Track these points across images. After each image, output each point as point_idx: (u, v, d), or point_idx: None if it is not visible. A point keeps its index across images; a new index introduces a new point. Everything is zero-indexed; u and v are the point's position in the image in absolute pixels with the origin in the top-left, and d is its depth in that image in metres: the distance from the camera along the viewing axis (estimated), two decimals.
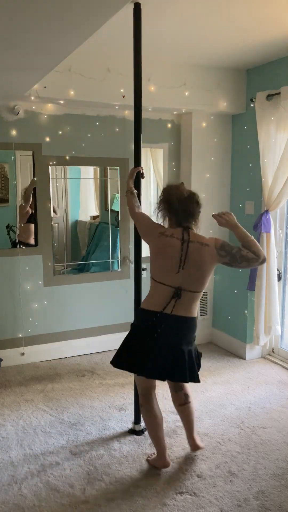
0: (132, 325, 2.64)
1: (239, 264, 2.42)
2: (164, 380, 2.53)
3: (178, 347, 2.47)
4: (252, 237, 2.48)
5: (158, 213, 2.60)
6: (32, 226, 4.04)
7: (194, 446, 2.79)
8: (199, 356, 2.63)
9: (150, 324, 2.47)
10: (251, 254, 2.40)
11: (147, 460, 2.73)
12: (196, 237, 2.49)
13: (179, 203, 2.49)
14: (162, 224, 2.62)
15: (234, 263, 2.42)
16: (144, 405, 2.65)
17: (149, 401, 2.64)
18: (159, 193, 2.65)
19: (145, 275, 4.50)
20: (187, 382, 2.52)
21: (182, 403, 2.75)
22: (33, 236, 4.06)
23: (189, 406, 2.75)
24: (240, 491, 2.46)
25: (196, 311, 2.56)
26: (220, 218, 2.56)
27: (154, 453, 2.74)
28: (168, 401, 3.43)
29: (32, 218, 4.03)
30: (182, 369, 2.46)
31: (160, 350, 2.45)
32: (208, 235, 4.61)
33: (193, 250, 2.44)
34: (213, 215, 2.59)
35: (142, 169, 2.87)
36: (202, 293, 2.55)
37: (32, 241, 4.06)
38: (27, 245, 4.04)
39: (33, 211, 4.01)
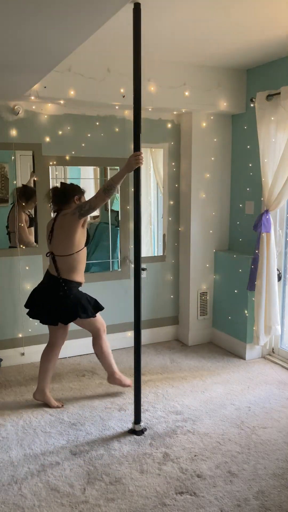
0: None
1: (88, 206, 3.00)
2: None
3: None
4: (104, 188, 2.93)
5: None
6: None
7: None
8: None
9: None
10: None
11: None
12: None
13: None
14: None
15: (83, 209, 3.02)
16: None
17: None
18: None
19: (145, 275, 4.51)
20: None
21: None
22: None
23: None
24: (240, 491, 2.46)
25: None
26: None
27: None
28: (168, 401, 3.43)
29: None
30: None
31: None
32: (208, 235, 4.63)
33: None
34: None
35: (142, 159, 2.80)
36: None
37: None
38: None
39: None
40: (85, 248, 3.24)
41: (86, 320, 3.27)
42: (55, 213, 3.29)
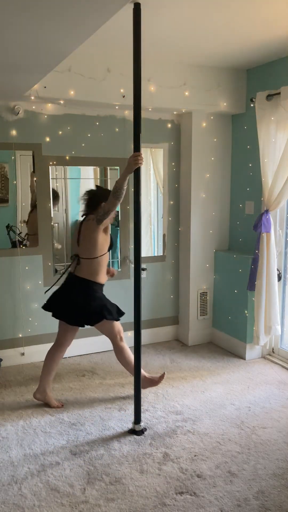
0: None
1: (102, 212, 3.06)
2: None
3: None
4: (116, 190, 2.93)
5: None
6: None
7: None
8: None
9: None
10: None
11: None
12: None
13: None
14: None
15: (99, 215, 3.09)
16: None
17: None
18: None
19: (145, 275, 4.51)
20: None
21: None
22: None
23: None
24: (240, 491, 2.46)
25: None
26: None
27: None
28: (168, 401, 3.43)
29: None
30: None
31: None
32: (208, 235, 4.63)
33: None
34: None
35: (142, 159, 2.80)
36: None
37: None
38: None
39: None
40: (108, 252, 3.29)
41: (106, 325, 3.27)
42: (83, 217, 3.33)
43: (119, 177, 2.96)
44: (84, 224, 3.23)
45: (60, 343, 3.34)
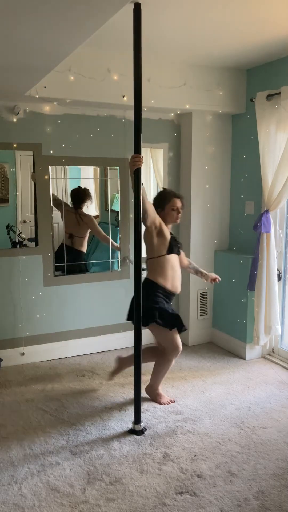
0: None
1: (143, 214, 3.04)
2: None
3: None
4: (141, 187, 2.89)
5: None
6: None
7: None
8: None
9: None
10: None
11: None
12: None
13: None
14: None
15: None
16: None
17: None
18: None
19: (145, 275, 4.50)
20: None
21: None
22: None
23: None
24: (240, 491, 2.46)
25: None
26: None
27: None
28: None
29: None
30: None
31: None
32: (208, 235, 4.62)
33: None
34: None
35: (140, 160, 2.80)
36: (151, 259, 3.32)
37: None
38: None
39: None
40: (170, 256, 3.28)
41: (158, 331, 3.25)
42: None
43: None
44: None
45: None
